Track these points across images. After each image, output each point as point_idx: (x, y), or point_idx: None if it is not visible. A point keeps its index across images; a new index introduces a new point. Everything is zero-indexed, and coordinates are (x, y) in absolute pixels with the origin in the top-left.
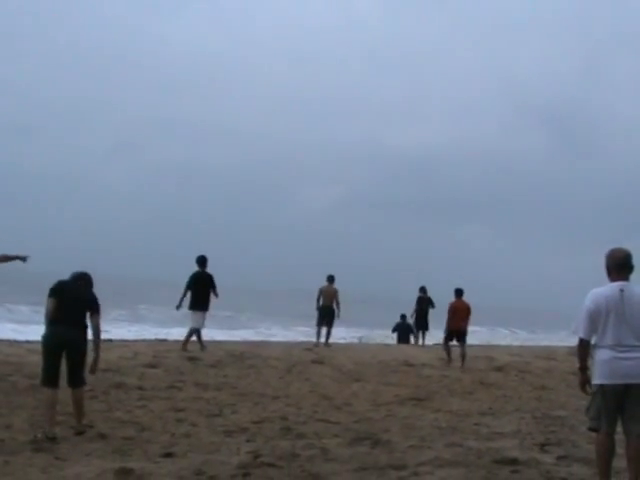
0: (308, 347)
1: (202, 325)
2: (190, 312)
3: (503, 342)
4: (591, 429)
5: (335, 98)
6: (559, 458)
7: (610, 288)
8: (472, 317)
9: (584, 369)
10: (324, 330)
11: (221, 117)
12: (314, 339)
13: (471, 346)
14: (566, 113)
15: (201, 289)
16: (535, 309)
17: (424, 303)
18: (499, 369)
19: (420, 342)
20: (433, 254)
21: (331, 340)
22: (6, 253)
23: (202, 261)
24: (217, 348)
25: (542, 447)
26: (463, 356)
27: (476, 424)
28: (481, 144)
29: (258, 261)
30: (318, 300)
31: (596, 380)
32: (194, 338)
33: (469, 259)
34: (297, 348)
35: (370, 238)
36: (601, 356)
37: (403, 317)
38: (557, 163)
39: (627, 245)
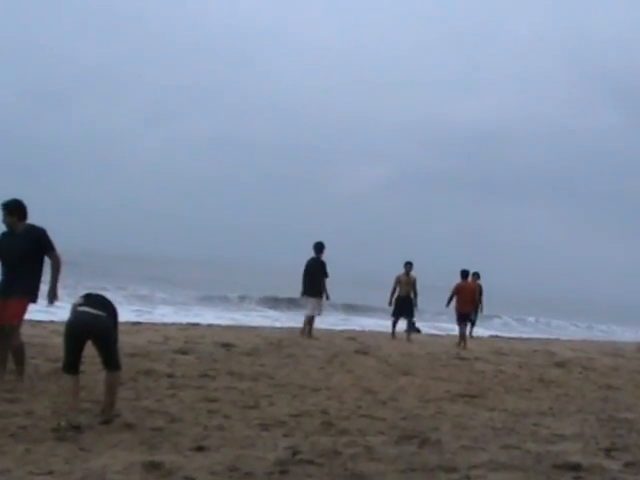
0: (351, 336)
1: (314, 312)
2: (303, 298)
3: (563, 335)
4: None
5: (386, 70)
6: (627, 465)
7: None
8: (533, 306)
9: None
10: (401, 321)
11: (265, 90)
12: (389, 329)
13: (529, 340)
14: None
15: (313, 276)
16: (600, 301)
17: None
18: (560, 365)
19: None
20: (488, 238)
21: (380, 329)
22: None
23: (317, 248)
24: (253, 335)
25: (608, 452)
26: (462, 336)
27: (535, 425)
28: (545, 119)
29: (297, 243)
30: (394, 290)
31: None
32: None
33: (528, 244)
34: (339, 336)
35: (419, 220)
36: None
37: None
38: (633, 142)
39: None
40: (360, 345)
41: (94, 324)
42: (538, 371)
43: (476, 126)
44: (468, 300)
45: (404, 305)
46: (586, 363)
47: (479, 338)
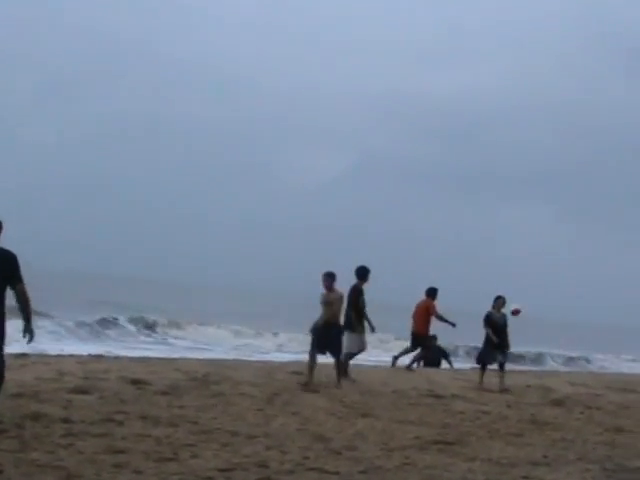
0: (297, 369)
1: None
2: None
3: (563, 368)
4: None
5: (346, 33)
6: None
7: None
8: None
9: None
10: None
11: (198, 58)
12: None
13: (521, 372)
14: None
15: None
16: (609, 324)
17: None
18: (558, 403)
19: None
20: (473, 242)
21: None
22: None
23: (361, 274)
24: (171, 368)
25: None
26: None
27: (525, 477)
28: (544, 95)
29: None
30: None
31: None
32: None
33: (523, 251)
34: (282, 370)
35: (389, 216)
36: None
37: (434, 338)
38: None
39: None
40: (308, 380)
41: None
42: (530, 411)
43: (460, 103)
44: (416, 319)
45: (329, 334)
46: (590, 401)
47: (458, 371)
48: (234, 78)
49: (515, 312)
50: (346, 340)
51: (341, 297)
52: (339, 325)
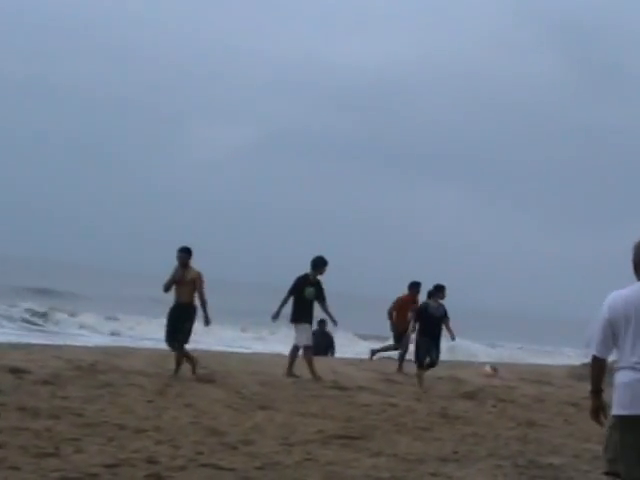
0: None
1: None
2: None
3: (478, 358)
4: (608, 474)
5: (256, 2)
6: None
7: (633, 289)
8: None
9: (597, 392)
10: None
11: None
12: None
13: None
14: (592, 23)
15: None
16: (531, 314)
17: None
18: (469, 396)
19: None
20: (387, 223)
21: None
22: None
23: (314, 264)
24: (53, 356)
25: None
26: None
27: (433, 474)
28: (464, 66)
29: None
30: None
31: (614, 410)
32: None
33: (436, 232)
34: (174, 358)
35: (294, 193)
36: (620, 378)
37: (321, 323)
38: (578, 98)
39: None
40: (203, 370)
41: None
42: (440, 404)
43: (373, 73)
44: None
45: (180, 317)
46: (503, 393)
47: (364, 361)
48: (134, 44)
49: (489, 374)
50: (294, 332)
51: (198, 275)
52: (192, 307)
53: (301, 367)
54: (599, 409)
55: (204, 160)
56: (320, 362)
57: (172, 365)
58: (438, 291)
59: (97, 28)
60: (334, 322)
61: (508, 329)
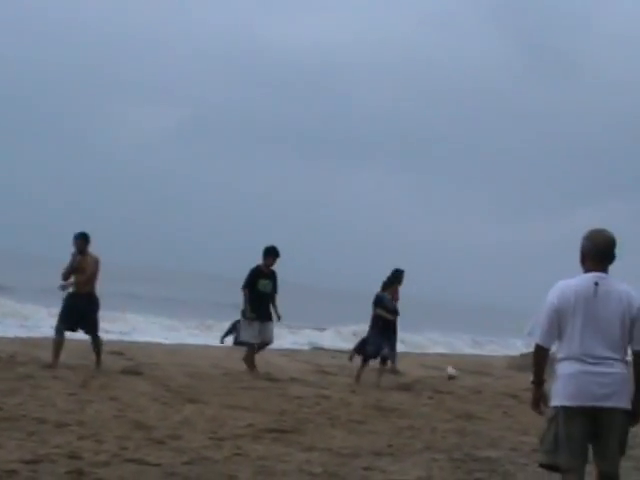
0: (116, 349)
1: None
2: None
3: (416, 349)
4: (544, 466)
5: None
6: None
7: (582, 280)
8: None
9: (539, 383)
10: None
11: None
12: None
13: None
14: (536, 4)
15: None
16: (468, 302)
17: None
18: (405, 388)
19: None
20: (316, 209)
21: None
22: None
23: (266, 254)
24: None
25: None
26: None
27: (366, 469)
28: (403, 48)
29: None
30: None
31: (556, 401)
32: None
33: (367, 219)
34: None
35: (219, 176)
36: (564, 369)
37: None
38: (523, 81)
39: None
40: (129, 362)
41: None
42: (375, 396)
43: (304, 55)
44: None
45: (80, 307)
46: (440, 385)
47: (297, 352)
48: (53, 20)
49: (451, 376)
50: (241, 328)
51: (96, 262)
52: (94, 296)
53: (233, 360)
54: (540, 400)
55: (127, 142)
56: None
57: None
58: (396, 279)
59: (17, 4)
60: (278, 317)
61: (451, 319)
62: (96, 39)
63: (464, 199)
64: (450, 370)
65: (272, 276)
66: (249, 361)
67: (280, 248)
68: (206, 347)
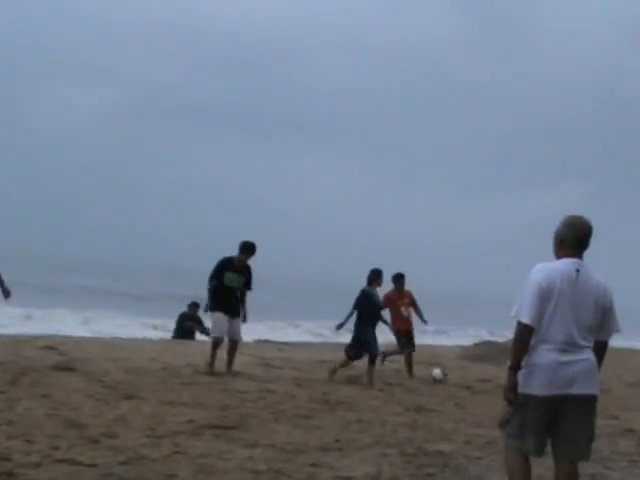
0: (48, 344)
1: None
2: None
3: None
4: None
5: None
6: None
7: (565, 265)
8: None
9: (516, 368)
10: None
11: None
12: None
13: (313, 345)
14: None
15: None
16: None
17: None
18: (354, 380)
19: None
20: (264, 193)
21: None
22: None
23: (241, 247)
24: None
25: None
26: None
27: (313, 465)
28: (357, 25)
29: None
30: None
31: (527, 388)
32: None
33: (317, 203)
34: (31, 345)
35: (157, 158)
36: (540, 357)
37: (193, 306)
38: (480, 58)
39: (551, 192)
40: (62, 357)
41: None
42: (322, 389)
43: (256, 32)
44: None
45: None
46: (390, 376)
47: (240, 344)
48: None
49: (438, 379)
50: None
51: None
52: None
53: (172, 354)
54: (514, 388)
55: (63, 125)
56: (193, 347)
57: (28, 352)
58: (377, 277)
59: None
60: (244, 317)
61: None
62: (31, 16)
63: (416, 180)
64: (436, 373)
65: (244, 271)
66: (212, 354)
67: (227, 234)
68: (144, 340)
